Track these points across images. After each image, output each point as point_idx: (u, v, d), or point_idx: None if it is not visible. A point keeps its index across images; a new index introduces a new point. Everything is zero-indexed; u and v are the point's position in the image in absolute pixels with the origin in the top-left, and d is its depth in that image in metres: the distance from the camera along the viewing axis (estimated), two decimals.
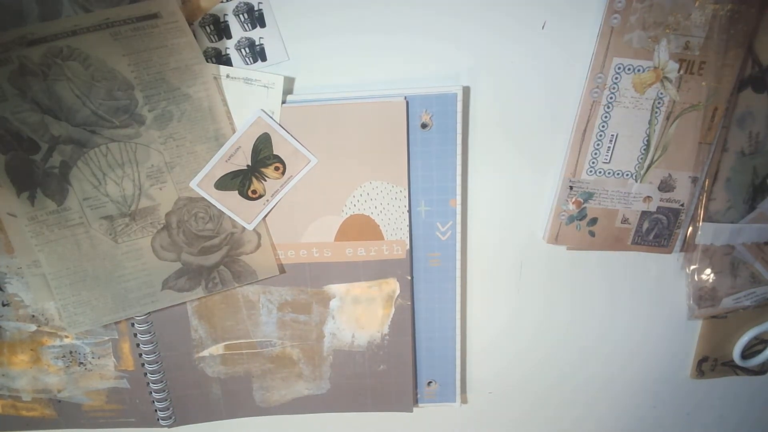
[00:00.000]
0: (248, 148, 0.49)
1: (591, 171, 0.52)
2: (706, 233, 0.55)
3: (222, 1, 0.45)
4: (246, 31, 0.47)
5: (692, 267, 0.57)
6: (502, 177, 0.53)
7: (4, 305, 0.54)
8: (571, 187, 0.52)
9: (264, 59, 0.48)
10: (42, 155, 0.47)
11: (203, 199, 0.50)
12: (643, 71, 0.48)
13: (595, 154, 0.51)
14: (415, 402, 0.62)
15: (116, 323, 0.56)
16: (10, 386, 0.59)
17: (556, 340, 0.62)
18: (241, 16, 0.46)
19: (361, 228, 0.53)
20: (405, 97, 0.49)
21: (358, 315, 0.57)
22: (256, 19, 0.46)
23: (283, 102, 0.48)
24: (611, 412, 0.67)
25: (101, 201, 0.49)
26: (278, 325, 0.57)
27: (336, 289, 0.56)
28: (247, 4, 0.46)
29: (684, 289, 0.59)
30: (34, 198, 0.48)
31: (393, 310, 0.57)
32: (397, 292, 0.56)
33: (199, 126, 0.48)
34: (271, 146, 0.49)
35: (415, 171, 0.51)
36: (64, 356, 0.57)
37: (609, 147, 0.51)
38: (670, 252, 0.56)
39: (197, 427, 0.62)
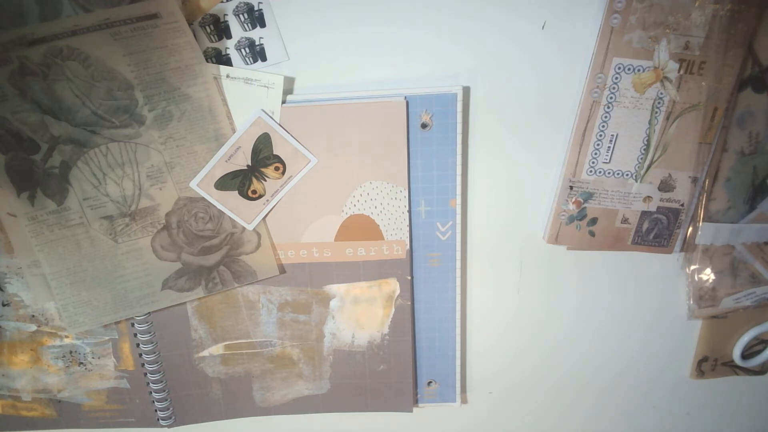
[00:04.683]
0: (248, 148, 0.49)
1: (591, 171, 0.52)
2: (706, 233, 0.55)
3: (222, 1, 0.45)
4: (246, 31, 0.47)
5: (692, 267, 0.57)
6: (502, 177, 0.54)
7: (4, 305, 0.54)
8: (571, 187, 0.52)
9: (264, 59, 0.48)
10: (42, 155, 0.47)
11: (203, 199, 0.50)
12: (643, 71, 0.48)
13: (595, 154, 0.51)
14: (415, 402, 0.62)
15: (116, 323, 0.56)
16: (10, 386, 0.59)
17: (557, 340, 0.62)
18: (241, 16, 0.46)
19: (361, 228, 0.53)
20: (405, 97, 0.49)
21: (358, 315, 0.57)
22: (256, 19, 0.46)
23: (283, 102, 0.48)
24: (611, 412, 0.67)
25: (101, 201, 0.49)
26: (278, 325, 0.57)
27: (336, 289, 0.56)
28: (247, 4, 0.46)
29: (684, 289, 0.59)
30: (34, 198, 0.48)
31: (393, 310, 0.57)
32: (397, 292, 0.56)
33: (199, 126, 0.48)
34: (271, 146, 0.49)
35: (415, 171, 0.51)
36: (64, 356, 0.57)
37: (609, 147, 0.51)
38: (670, 252, 0.56)
39: (197, 427, 0.62)
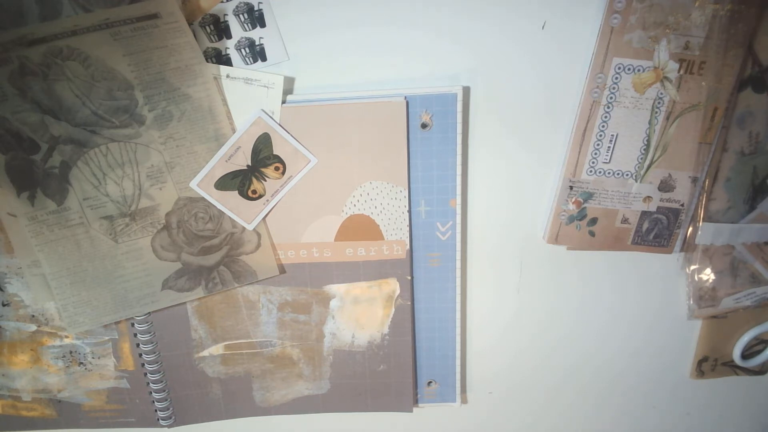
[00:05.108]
0: (248, 148, 0.49)
1: (591, 171, 0.52)
2: (706, 233, 0.55)
3: (222, 1, 0.45)
4: (246, 31, 0.47)
5: (692, 267, 0.57)
6: (502, 177, 0.53)
7: (4, 305, 0.54)
8: (571, 187, 0.52)
9: (264, 59, 0.48)
10: (42, 155, 0.47)
11: (203, 199, 0.50)
12: (643, 71, 0.48)
13: (595, 154, 0.51)
14: (415, 402, 0.62)
15: (116, 323, 0.56)
16: (10, 386, 0.59)
17: (557, 340, 0.62)
18: (241, 16, 0.46)
19: (361, 228, 0.53)
20: (405, 97, 0.49)
21: (358, 315, 0.57)
22: (256, 19, 0.46)
23: (283, 102, 0.48)
24: (611, 412, 0.67)
25: (101, 201, 0.49)
26: (278, 325, 0.57)
27: (336, 289, 0.56)
28: (247, 4, 0.46)
29: (684, 289, 0.59)
30: (34, 198, 0.48)
31: (393, 310, 0.57)
32: (397, 292, 0.56)
33: (199, 126, 0.48)
34: (271, 146, 0.49)
35: (415, 171, 0.51)
36: (64, 356, 0.57)
37: (609, 147, 0.51)
38: (670, 252, 0.56)
39: (197, 427, 0.62)
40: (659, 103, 0.49)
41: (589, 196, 0.53)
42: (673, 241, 0.55)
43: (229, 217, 0.51)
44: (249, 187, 0.51)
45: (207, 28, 0.46)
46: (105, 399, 0.60)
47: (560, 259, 0.57)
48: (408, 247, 0.54)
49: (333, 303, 0.57)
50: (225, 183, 0.50)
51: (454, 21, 0.47)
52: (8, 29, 0.43)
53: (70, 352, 0.57)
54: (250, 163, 0.50)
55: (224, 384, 0.60)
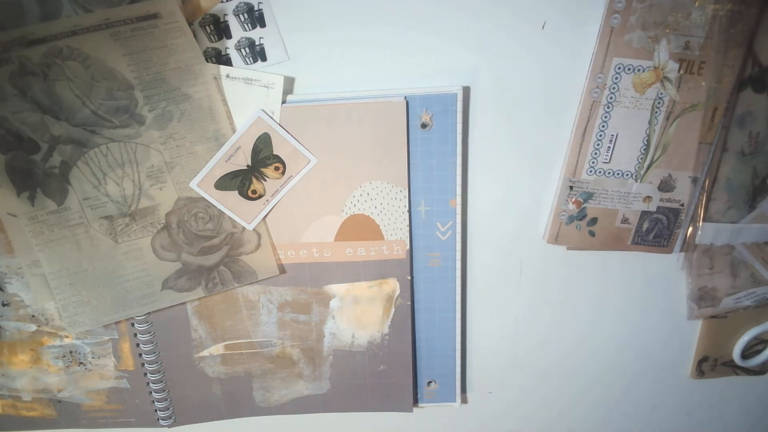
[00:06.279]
0: (248, 148, 0.49)
1: (591, 171, 0.52)
2: (706, 233, 0.55)
3: (222, 1, 0.45)
4: (246, 31, 0.47)
5: (692, 267, 0.57)
6: (502, 177, 0.54)
7: (4, 305, 0.54)
8: (571, 187, 0.52)
9: (264, 59, 0.48)
10: (42, 155, 0.47)
11: (203, 199, 0.50)
12: (643, 71, 0.48)
13: (595, 154, 0.51)
14: (415, 402, 0.62)
15: (116, 323, 0.56)
16: (10, 386, 0.59)
17: (556, 340, 0.62)
18: (241, 16, 0.46)
19: (361, 228, 0.53)
20: (405, 97, 0.49)
21: (358, 315, 0.57)
22: (256, 19, 0.46)
23: (283, 102, 0.48)
24: (611, 412, 0.67)
25: (101, 201, 0.49)
26: (278, 325, 0.57)
27: (336, 289, 0.56)
28: (247, 4, 0.46)
29: (684, 289, 0.59)
30: (34, 198, 0.48)
31: (393, 310, 0.57)
32: (397, 292, 0.56)
33: (199, 126, 0.48)
34: (271, 146, 0.49)
35: (415, 171, 0.51)
36: (64, 356, 0.57)
37: (609, 147, 0.51)
38: (670, 252, 0.56)
39: (197, 427, 0.62)
40: (659, 103, 0.49)
41: (589, 196, 0.53)
42: (673, 241, 0.55)
43: (229, 217, 0.51)
44: (249, 187, 0.51)
45: (207, 28, 0.46)
46: (105, 399, 0.60)
47: (560, 259, 0.57)
48: (408, 247, 0.54)
49: (333, 303, 0.57)
50: (225, 183, 0.50)
51: (455, 21, 0.47)
52: (8, 29, 0.43)
53: (70, 352, 0.57)
54: (250, 163, 0.50)
55: (224, 384, 0.60)
